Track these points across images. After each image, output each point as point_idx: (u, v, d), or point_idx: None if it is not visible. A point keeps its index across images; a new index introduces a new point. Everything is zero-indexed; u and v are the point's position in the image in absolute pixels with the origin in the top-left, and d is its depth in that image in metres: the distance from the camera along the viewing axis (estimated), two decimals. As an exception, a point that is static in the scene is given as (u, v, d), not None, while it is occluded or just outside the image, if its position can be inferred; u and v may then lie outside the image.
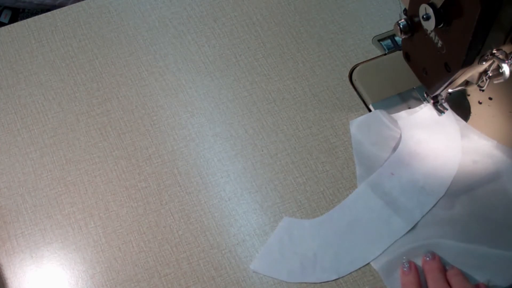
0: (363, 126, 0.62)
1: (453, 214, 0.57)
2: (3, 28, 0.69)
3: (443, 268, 0.54)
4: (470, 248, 0.55)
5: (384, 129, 0.62)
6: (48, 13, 0.70)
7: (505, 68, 0.51)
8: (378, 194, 0.58)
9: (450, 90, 0.60)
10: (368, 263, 0.55)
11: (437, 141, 0.61)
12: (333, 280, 0.54)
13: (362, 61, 0.68)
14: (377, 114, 0.63)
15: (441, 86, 0.57)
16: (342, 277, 0.55)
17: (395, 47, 0.69)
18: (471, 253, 0.55)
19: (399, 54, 0.64)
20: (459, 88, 0.59)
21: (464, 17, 0.47)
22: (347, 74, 0.67)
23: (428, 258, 0.54)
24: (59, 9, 0.70)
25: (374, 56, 0.68)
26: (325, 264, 0.55)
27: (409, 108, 0.64)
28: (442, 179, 0.59)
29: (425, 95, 0.63)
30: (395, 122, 0.62)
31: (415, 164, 0.60)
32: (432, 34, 0.53)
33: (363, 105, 0.65)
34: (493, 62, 0.53)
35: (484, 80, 0.56)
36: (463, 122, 0.62)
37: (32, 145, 0.62)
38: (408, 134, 0.62)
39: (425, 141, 0.61)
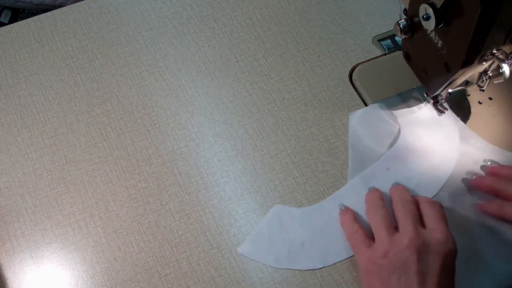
0: (363, 119, 0.62)
1: (453, 214, 0.57)
2: (3, 28, 0.69)
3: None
4: (470, 249, 0.55)
5: (383, 124, 0.62)
6: (48, 13, 0.70)
7: (505, 68, 0.51)
8: (371, 187, 0.58)
9: (450, 90, 0.60)
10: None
11: (435, 140, 0.61)
12: (319, 268, 0.55)
13: (362, 61, 0.68)
14: (377, 108, 0.63)
15: (441, 86, 0.57)
16: (328, 266, 0.55)
17: (395, 47, 0.69)
18: (471, 253, 0.55)
19: (399, 54, 0.64)
20: (459, 88, 0.59)
21: (464, 17, 0.47)
22: (347, 74, 0.67)
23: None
24: (59, 9, 0.70)
25: (374, 56, 0.68)
26: (312, 254, 0.55)
27: (409, 108, 0.64)
28: (437, 178, 0.59)
29: (425, 95, 0.63)
30: (394, 117, 0.63)
31: (411, 161, 0.60)
32: (432, 34, 0.53)
33: (363, 105, 0.65)
34: (493, 62, 0.53)
35: (484, 80, 0.56)
36: (462, 123, 0.62)
37: (32, 145, 0.62)
38: (406, 131, 0.62)
39: (423, 139, 0.61)
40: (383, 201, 0.55)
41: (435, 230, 0.51)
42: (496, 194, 0.56)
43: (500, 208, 0.55)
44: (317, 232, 0.56)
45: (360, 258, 0.53)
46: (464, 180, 0.59)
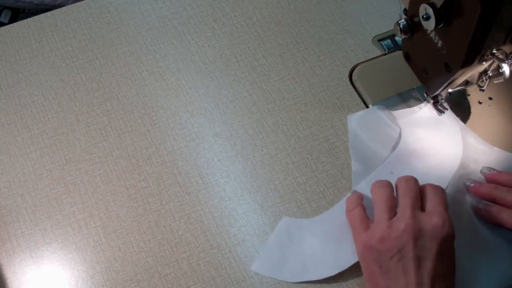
0: (362, 122, 0.62)
1: (455, 214, 0.57)
2: (3, 28, 0.69)
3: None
4: (473, 249, 0.55)
5: (383, 126, 0.62)
6: (48, 13, 0.70)
7: (505, 68, 0.51)
8: None
9: (450, 90, 0.60)
10: None
11: (437, 140, 0.61)
12: (335, 274, 0.54)
13: (362, 61, 0.68)
14: (376, 110, 0.63)
15: (441, 86, 0.57)
16: (343, 270, 0.54)
17: (395, 47, 0.69)
18: (473, 253, 0.55)
19: (399, 54, 0.64)
20: (459, 88, 0.59)
21: (464, 17, 0.47)
22: (347, 74, 0.67)
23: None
24: (59, 9, 0.70)
25: (374, 56, 0.68)
26: (326, 260, 0.55)
27: (409, 108, 0.64)
28: (441, 177, 0.59)
29: (425, 95, 0.63)
30: (394, 119, 0.63)
31: (415, 163, 0.60)
32: (432, 34, 0.53)
33: (363, 105, 0.65)
34: (493, 62, 0.53)
35: (484, 80, 0.56)
36: (461, 123, 0.62)
37: (32, 145, 0.62)
38: (407, 133, 0.62)
39: (425, 139, 0.61)
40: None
41: (432, 214, 0.51)
42: (494, 201, 0.56)
43: (497, 214, 0.55)
44: (327, 240, 0.56)
45: (357, 241, 0.53)
46: (465, 181, 0.59)
